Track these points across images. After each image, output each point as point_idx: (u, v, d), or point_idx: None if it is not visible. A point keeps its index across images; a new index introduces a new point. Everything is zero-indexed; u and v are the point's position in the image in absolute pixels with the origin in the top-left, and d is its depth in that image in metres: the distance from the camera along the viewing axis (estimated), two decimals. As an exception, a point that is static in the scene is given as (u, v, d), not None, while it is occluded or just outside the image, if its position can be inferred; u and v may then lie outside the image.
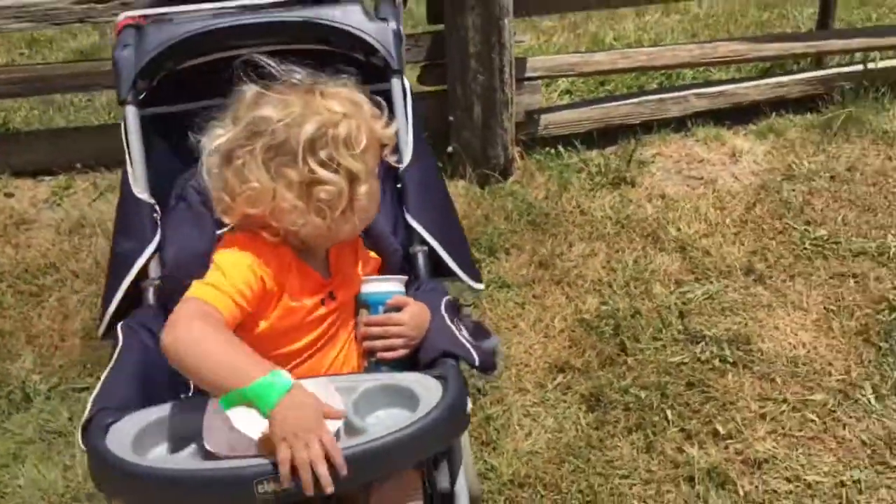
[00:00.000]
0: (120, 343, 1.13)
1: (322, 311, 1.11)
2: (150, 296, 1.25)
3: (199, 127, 1.20)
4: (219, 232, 1.28)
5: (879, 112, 2.75)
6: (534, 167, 2.68)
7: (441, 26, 2.48)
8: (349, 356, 1.16)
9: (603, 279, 2.23)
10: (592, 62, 2.63)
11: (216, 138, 1.07)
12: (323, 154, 1.04)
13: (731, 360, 1.94)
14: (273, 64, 1.09)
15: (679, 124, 2.79)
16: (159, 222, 1.28)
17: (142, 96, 1.32)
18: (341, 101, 1.07)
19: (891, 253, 2.21)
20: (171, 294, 1.22)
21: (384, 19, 1.36)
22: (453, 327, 1.15)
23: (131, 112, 1.29)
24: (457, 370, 1.04)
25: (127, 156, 1.29)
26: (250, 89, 1.08)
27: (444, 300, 1.21)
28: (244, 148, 1.05)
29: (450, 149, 2.54)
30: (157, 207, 1.28)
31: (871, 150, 2.63)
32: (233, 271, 1.02)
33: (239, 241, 1.07)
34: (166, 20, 1.32)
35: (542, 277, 2.25)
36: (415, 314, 1.15)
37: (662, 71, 2.92)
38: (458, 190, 2.55)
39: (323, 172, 1.04)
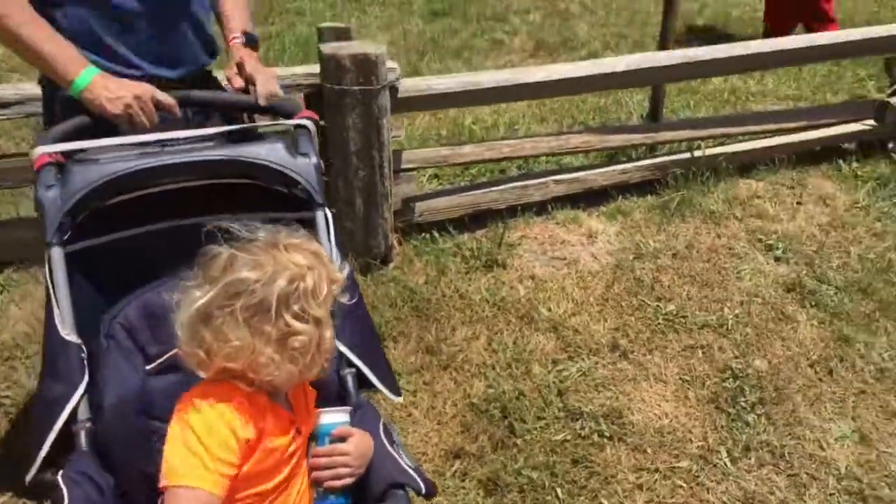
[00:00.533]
0: (66, 498, 1.13)
1: (293, 447, 1.17)
2: (83, 440, 1.24)
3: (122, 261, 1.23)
4: (148, 367, 1.31)
5: (706, 194, 3.14)
6: (412, 253, 2.83)
7: (322, 123, 2.58)
8: (309, 486, 1.22)
9: (486, 362, 2.39)
10: (462, 154, 2.83)
11: (195, 300, 1.10)
12: (296, 307, 1.10)
13: (607, 435, 2.15)
14: (237, 227, 1.15)
15: (540, 208, 3.04)
16: (86, 363, 1.28)
17: (66, 236, 1.33)
18: (304, 253, 1.14)
19: (729, 325, 2.54)
20: (106, 439, 1.23)
21: (305, 154, 1.44)
22: (394, 453, 1.24)
23: (56, 252, 1.28)
24: (406, 500, 1.14)
25: (52, 296, 1.28)
26: (223, 252, 1.12)
27: (381, 425, 1.31)
28: (224, 308, 1.09)
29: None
30: (83, 347, 1.28)
31: (702, 228, 3.00)
32: (210, 439, 1.05)
33: (215, 394, 1.10)
34: (91, 160, 1.33)
35: (430, 363, 2.38)
36: (359, 444, 1.23)
37: (521, 159, 3.17)
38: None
39: (296, 324, 1.10)
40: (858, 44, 3.19)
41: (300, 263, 1.12)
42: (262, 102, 1.54)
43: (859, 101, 3.60)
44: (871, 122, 3.40)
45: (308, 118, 1.50)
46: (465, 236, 2.92)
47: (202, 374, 1.13)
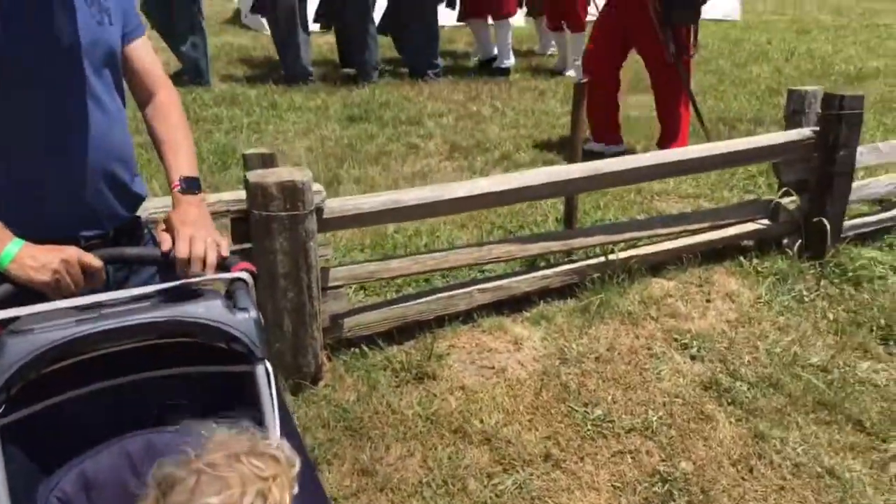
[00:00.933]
0: None
1: None
2: None
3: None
4: None
5: (622, 295, 3.29)
6: (342, 369, 2.83)
7: (247, 245, 2.60)
8: None
9: (423, 480, 2.39)
10: (390, 269, 2.89)
11: None
12: None
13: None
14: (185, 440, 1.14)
15: (466, 316, 3.11)
16: None
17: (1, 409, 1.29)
18: (263, 460, 1.13)
19: (654, 427, 2.63)
20: None
21: (244, 309, 1.45)
22: None
23: None
24: None
25: None
26: (184, 476, 1.10)
27: None
28: None
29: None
30: None
31: (621, 329, 3.13)
32: None
33: None
34: (25, 330, 1.30)
35: (366, 486, 2.36)
36: None
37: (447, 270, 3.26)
38: (273, 401, 2.62)
39: None
40: (747, 152, 3.48)
41: (264, 475, 1.11)
42: (177, 270, 1.51)
43: (754, 202, 3.88)
44: (766, 220, 3.67)
45: (245, 270, 1.52)
46: (394, 349, 2.95)
47: None
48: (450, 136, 5.59)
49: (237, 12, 11.02)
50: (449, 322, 3.08)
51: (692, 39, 5.07)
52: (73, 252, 1.44)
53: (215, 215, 2.55)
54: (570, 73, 7.74)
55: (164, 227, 1.59)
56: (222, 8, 11.73)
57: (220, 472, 1.09)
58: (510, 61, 7.81)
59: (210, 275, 1.51)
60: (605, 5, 5.23)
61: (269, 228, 2.49)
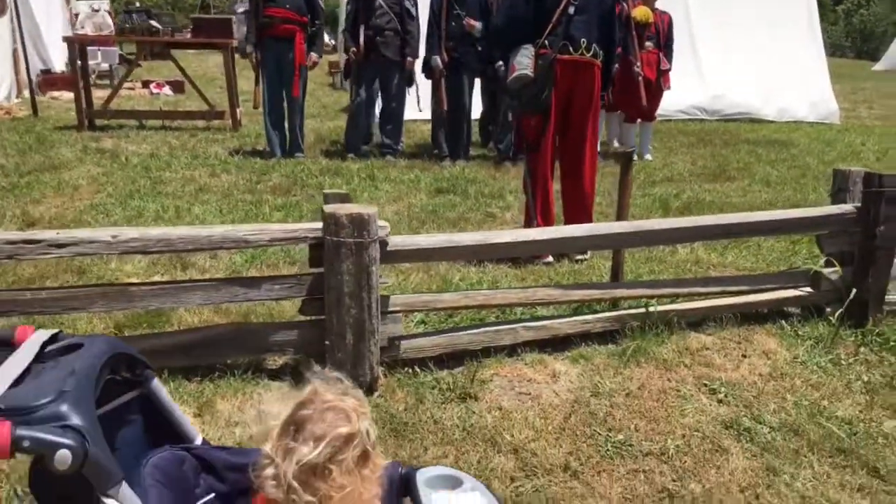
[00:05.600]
0: None
1: None
2: None
3: None
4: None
5: (659, 345, 3.55)
6: (395, 384, 3.22)
7: (320, 269, 3.08)
8: None
9: (452, 477, 2.71)
10: (441, 300, 3.30)
11: (304, 456, 1.31)
12: (370, 444, 1.40)
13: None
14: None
15: (511, 350, 3.45)
16: None
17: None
18: (358, 395, 1.44)
19: (670, 453, 2.86)
20: None
21: None
22: None
23: None
24: None
25: None
26: (318, 407, 1.37)
27: None
28: (335, 461, 1.31)
29: (326, 369, 3.04)
30: None
31: (654, 373, 3.39)
32: None
33: None
34: None
35: (402, 476, 2.70)
36: None
37: (496, 308, 3.63)
38: (332, 403, 3.03)
39: (378, 460, 1.40)
40: (792, 221, 3.73)
41: (363, 409, 1.40)
42: None
43: (796, 270, 4.08)
44: (808, 288, 3.86)
45: None
46: (443, 372, 3.31)
47: None
48: (526, 209, 6.04)
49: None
50: (495, 353, 3.42)
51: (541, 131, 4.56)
52: None
53: (296, 242, 3.08)
54: (648, 157, 8.25)
55: None
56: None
57: (341, 406, 1.39)
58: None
59: None
60: None
61: (338, 253, 2.97)
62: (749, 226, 3.67)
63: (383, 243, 3.07)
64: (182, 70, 10.20)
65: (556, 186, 4.92)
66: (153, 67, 16.37)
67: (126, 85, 11.72)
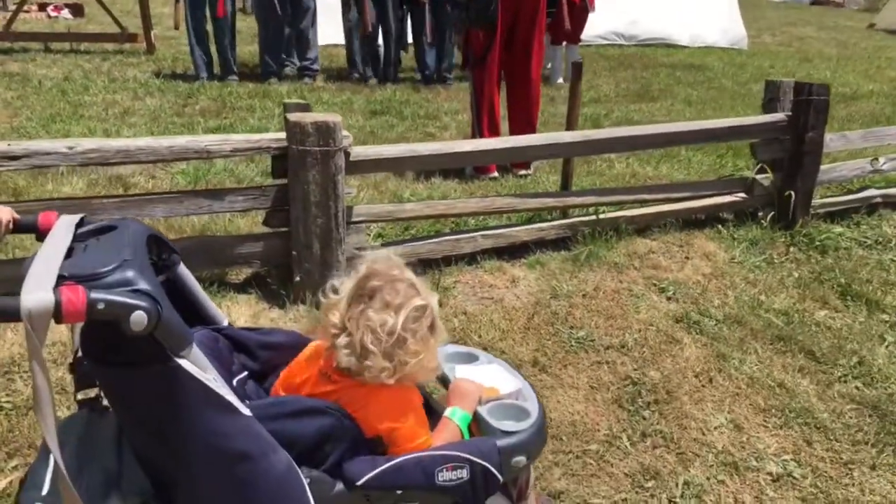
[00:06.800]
0: None
1: None
2: None
3: None
4: None
5: (609, 249, 3.71)
6: (361, 293, 3.26)
7: (284, 180, 3.06)
8: None
9: (427, 376, 2.80)
10: (405, 210, 3.33)
11: (385, 322, 1.38)
12: (437, 319, 1.48)
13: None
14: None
15: (471, 259, 3.54)
16: None
17: None
18: (408, 270, 1.51)
19: (629, 346, 3.04)
20: None
21: None
22: None
23: None
24: None
25: None
26: (399, 279, 1.44)
27: None
28: (410, 329, 1.40)
29: (297, 279, 3.05)
30: None
31: (607, 276, 3.55)
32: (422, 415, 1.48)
33: (408, 392, 1.47)
34: None
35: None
36: None
37: (454, 218, 3.70)
38: (302, 313, 3.06)
39: (443, 332, 1.49)
40: (728, 129, 3.92)
41: (427, 285, 1.49)
42: None
43: (732, 177, 4.31)
44: (743, 194, 4.09)
45: None
46: (406, 281, 3.37)
47: (387, 382, 1.41)
48: (464, 129, 6.06)
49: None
50: (455, 262, 3.51)
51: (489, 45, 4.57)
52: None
53: (259, 152, 3.04)
54: (560, 80, 8.46)
55: None
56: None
57: (410, 279, 1.46)
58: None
59: None
60: None
61: (304, 162, 2.94)
62: (691, 134, 3.84)
63: (346, 153, 3.06)
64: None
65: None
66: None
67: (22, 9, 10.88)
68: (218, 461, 1.12)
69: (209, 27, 7.54)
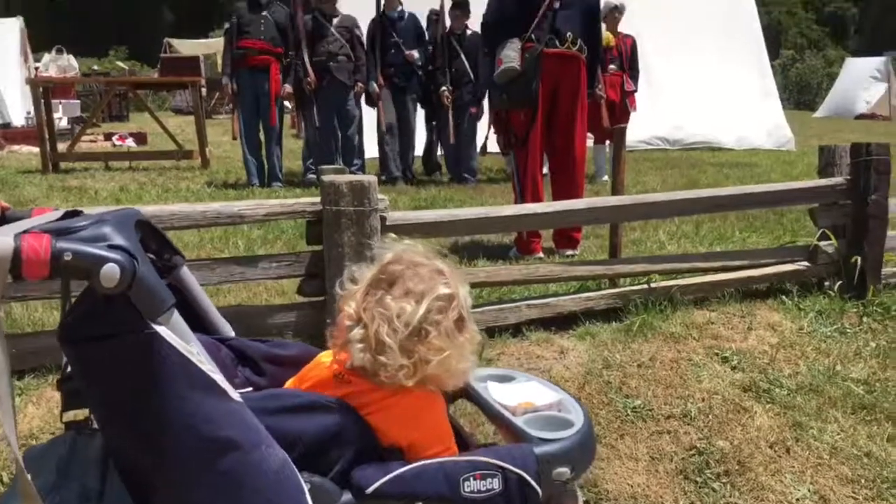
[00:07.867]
0: None
1: None
2: None
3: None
4: None
5: (665, 319, 3.47)
6: (399, 365, 3.07)
7: (319, 247, 2.96)
8: None
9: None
10: (444, 278, 3.19)
11: (404, 312, 1.22)
12: (466, 311, 1.29)
13: (585, 500, 2.30)
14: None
15: (515, 330, 3.34)
16: None
17: None
18: (439, 259, 1.33)
19: (692, 415, 2.75)
20: None
21: None
22: None
23: None
24: None
25: None
26: (424, 263, 1.28)
27: None
28: (433, 322, 1.22)
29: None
30: None
31: (663, 346, 3.29)
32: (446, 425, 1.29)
33: (431, 398, 1.28)
34: None
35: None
36: None
37: (498, 286, 3.53)
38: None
39: (471, 327, 1.29)
40: (783, 193, 3.73)
41: (459, 273, 1.29)
42: None
43: (793, 245, 4.07)
44: (806, 263, 3.84)
45: None
46: (447, 353, 3.18)
47: (406, 383, 1.21)
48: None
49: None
50: (499, 333, 3.31)
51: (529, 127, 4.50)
52: None
53: (293, 216, 2.97)
54: (605, 178, 8.49)
55: None
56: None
57: (437, 265, 1.29)
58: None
59: None
60: None
61: (338, 223, 2.85)
62: (745, 197, 3.66)
63: (382, 218, 2.97)
64: (150, 111, 10.09)
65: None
66: (112, 127, 16.19)
67: (88, 138, 11.53)
68: (200, 450, 0.95)
69: (262, 137, 7.84)
